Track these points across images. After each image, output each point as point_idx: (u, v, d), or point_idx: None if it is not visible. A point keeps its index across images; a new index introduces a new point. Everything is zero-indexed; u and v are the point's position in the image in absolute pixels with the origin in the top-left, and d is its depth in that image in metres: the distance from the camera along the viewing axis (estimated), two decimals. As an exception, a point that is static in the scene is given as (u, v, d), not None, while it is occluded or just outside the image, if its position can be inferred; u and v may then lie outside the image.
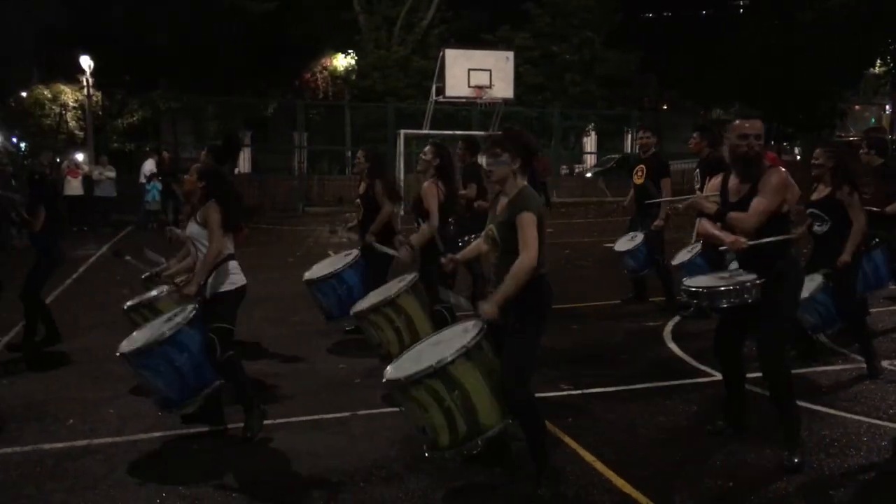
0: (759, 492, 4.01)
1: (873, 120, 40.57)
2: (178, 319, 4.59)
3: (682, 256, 7.66)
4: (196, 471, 4.33)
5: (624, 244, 8.37)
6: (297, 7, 27.02)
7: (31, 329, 6.81)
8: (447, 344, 3.81)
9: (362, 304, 5.46)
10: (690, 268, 7.17)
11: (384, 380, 3.81)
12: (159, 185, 17.77)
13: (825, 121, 30.31)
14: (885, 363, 6.01)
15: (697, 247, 7.46)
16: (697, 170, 7.58)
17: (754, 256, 4.22)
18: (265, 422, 4.86)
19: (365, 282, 6.47)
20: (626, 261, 8.33)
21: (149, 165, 18.21)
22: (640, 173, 8.18)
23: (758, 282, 4.16)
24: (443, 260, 4.44)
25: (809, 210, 5.77)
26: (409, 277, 5.38)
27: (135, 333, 4.86)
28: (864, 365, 5.87)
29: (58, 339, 6.90)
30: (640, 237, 8.17)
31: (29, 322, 6.80)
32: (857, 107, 41.49)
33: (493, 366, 3.77)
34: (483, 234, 4.20)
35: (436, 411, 3.64)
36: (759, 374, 4.35)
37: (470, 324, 3.95)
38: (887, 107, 39.54)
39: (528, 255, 3.74)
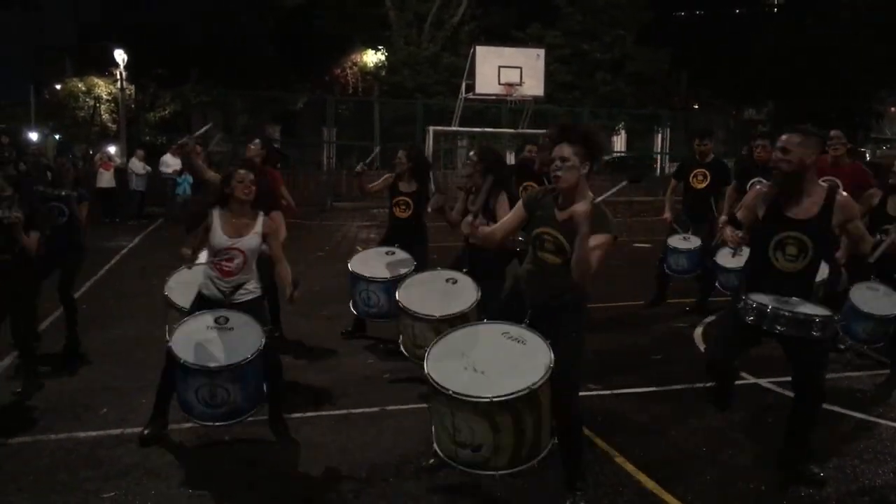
0: (789, 495, 3.96)
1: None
2: (258, 329, 4.40)
3: (732, 262, 7.40)
4: (226, 462, 4.37)
5: (680, 242, 8.03)
6: (327, 2, 27.12)
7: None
8: (507, 352, 3.54)
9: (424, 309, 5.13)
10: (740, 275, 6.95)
11: (449, 392, 3.31)
12: (190, 178, 17.91)
13: (860, 122, 29.84)
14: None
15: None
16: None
17: (801, 286, 3.94)
18: (294, 415, 4.90)
19: None
20: (677, 260, 8.03)
21: (168, 158, 18.38)
22: (701, 178, 8.01)
23: (833, 318, 3.81)
24: (463, 224, 3.96)
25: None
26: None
27: (179, 338, 4.35)
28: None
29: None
30: (695, 240, 7.90)
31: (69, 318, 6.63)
32: (892, 108, 40.76)
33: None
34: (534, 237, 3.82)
35: (509, 434, 3.30)
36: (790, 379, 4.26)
37: (514, 329, 3.67)
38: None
39: (590, 271, 3.53)
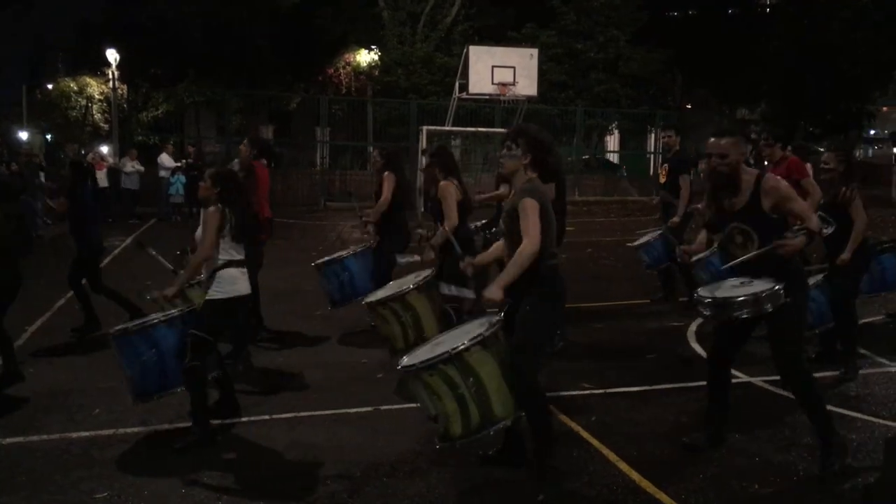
0: (783, 495, 3.97)
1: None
2: (159, 314, 4.82)
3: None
4: (220, 462, 4.36)
5: (640, 239, 8.43)
6: (321, 2, 27.09)
7: (90, 314, 7.23)
8: (465, 334, 3.82)
9: (374, 296, 5.50)
10: (706, 266, 7.10)
11: (399, 367, 3.82)
12: (183, 178, 17.89)
13: (853, 121, 29.96)
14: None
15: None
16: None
17: (761, 268, 4.09)
18: (290, 415, 4.89)
19: (370, 271, 6.76)
20: (640, 255, 8.38)
21: (164, 159, 18.34)
22: (664, 172, 8.32)
23: (778, 289, 3.99)
24: (462, 264, 4.43)
25: (819, 213, 5.68)
26: (425, 274, 5.38)
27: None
28: (891, 368, 5.82)
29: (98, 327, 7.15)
30: (657, 233, 8.20)
31: (85, 308, 7.24)
32: (884, 108, 40.95)
33: (508, 358, 3.78)
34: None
35: (449, 399, 3.63)
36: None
37: (487, 318, 3.95)
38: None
39: (530, 241, 3.79)
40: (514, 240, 3.90)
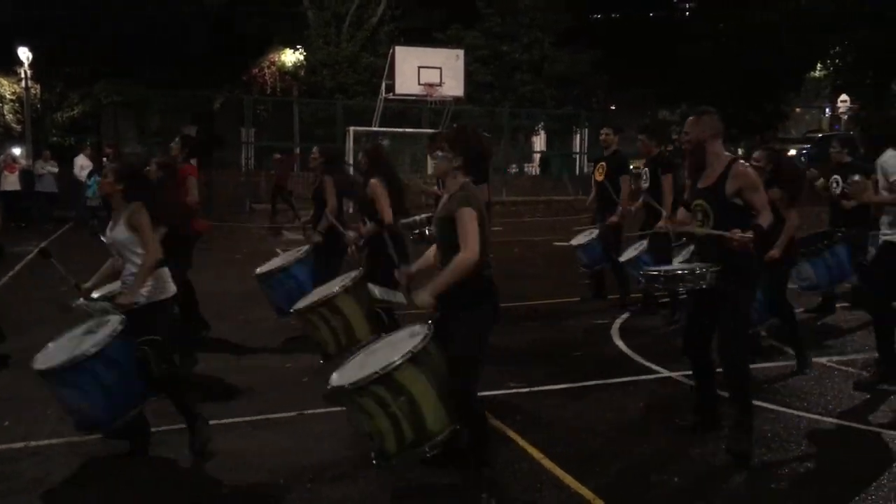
0: (704, 486, 4.08)
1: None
2: (106, 332, 4.17)
3: (629, 253, 7.79)
4: (136, 474, 4.23)
5: (579, 239, 8.46)
6: (245, 0, 26.62)
7: None
8: (394, 348, 3.75)
9: (301, 303, 5.39)
10: (637, 265, 7.28)
11: (329, 387, 3.75)
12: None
13: (769, 122, 31.04)
14: (824, 360, 6.19)
15: (643, 244, 7.58)
16: (646, 168, 7.69)
17: (713, 248, 4.31)
18: (210, 422, 4.76)
19: (315, 277, 6.47)
20: (579, 255, 8.48)
21: (81, 160, 17.74)
22: (601, 170, 8.25)
23: (713, 269, 4.21)
24: (398, 274, 4.39)
25: None
26: (352, 276, 5.30)
27: (50, 345, 4.35)
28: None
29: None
30: (595, 233, 8.28)
31: None
32: (797, 109, 42.61)
33: (440, 370, 3.73)
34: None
35: (381, 418, 3.59)
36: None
37: (417, 328, 3.91)
38: (827, 109, 40.69)
39: (469, 252, 3.72)
40: (449, 247, 3.84)
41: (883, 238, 5.45)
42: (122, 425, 4.24)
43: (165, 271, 4.60)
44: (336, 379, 3.76)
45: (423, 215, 6.33)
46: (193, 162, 7.01)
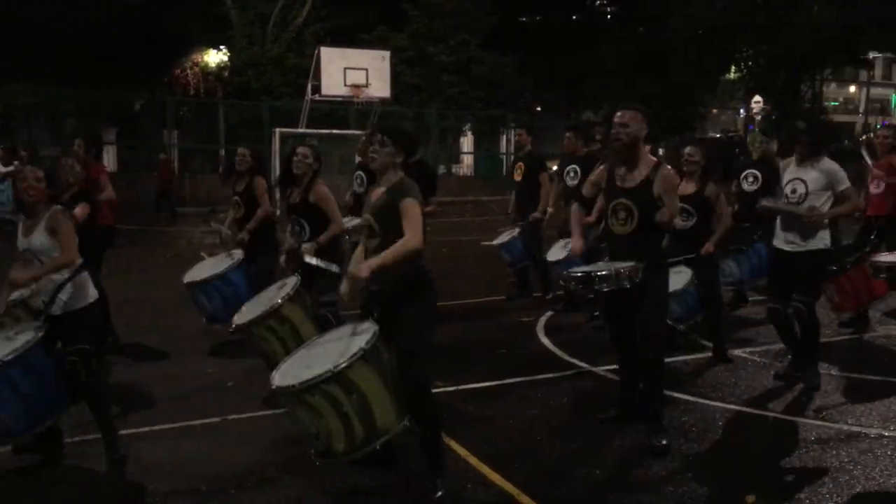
0: (626, 477, 4.18)
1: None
2: (26, 338, 4.01)
3: (556, 253, 7.83)
4: (56, 485, 4.09)
5: (501, 238, 8.58)
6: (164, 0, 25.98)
7: None
8: (339, 346, 3.69)
9: (243, 317, 5.09)
10: (568, 265, 7.36)
11: (274, 387, 3.64)
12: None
13: (687, 123, 31.94)
14: (738, 351, 6.40)
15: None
16: (574, 166, 7.73)
17: (633, 247, 4.43)
18: (128, 431, 4.64)
19: (250, 282, 6.34)
20: (501, 254, 8.57)
21: None
22: (518, 170, 8.38)
23: (636, 267, 4.31)
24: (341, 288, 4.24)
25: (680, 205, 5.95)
26: (291, 283, 5.11)
27: None
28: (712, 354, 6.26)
29: None
30: (516, 231, 8.39)
31: None
32: (714, 110, 44.02)
33: (388, 367, 3.71)
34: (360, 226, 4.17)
35: (332, 417, 3.52)
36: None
37: (360, 325, 3.85)
38: (741, 110, 42.11)
39: (415, 237, 3.71)
40: (389, 236, 3.79)
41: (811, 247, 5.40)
42: (35, 434, 4.11)
43: (86, 277, 4.43)
44: (279, 379, 3.65)
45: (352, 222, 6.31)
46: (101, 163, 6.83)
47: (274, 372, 3.80)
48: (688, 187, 5.95)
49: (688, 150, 6.05)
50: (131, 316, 7.75)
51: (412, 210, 3.76)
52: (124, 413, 5.08)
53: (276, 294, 5.11)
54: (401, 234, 3.73)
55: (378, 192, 3.98)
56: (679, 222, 5.67)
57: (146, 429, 4.82)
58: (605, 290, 4.33)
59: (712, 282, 6.14)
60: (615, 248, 4.57)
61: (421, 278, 3.89)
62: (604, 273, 4.35)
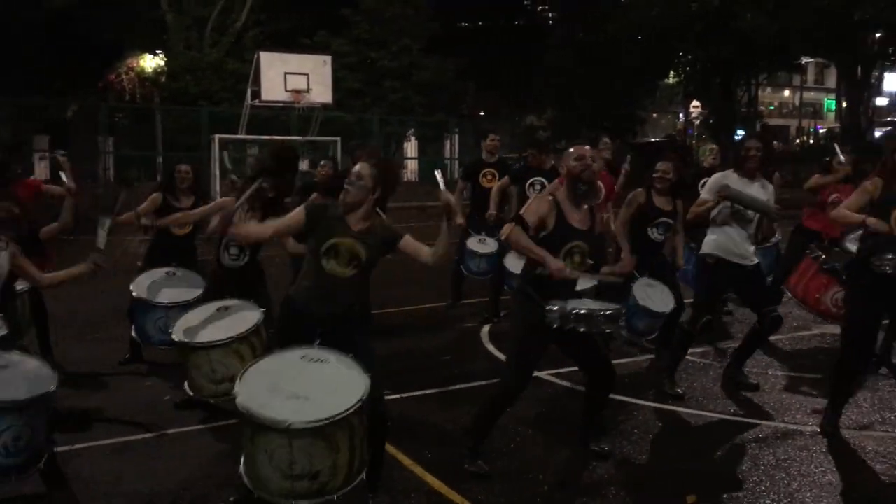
0: (571, 483, 4.20)
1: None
2: None
3: (513, 263, 7.56)
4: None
5: (477, 245, 7.98)
6: (97, 3, 25.33)
7: None
8: (322, 375, 3.47)
9: (200, 335, 4.63)
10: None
11: (288, 425, 3.14)
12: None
13: (627, 126, 32.46)
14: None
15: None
16: (540, 178, 7.48)
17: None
18: (61, 448, 4.47)
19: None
20: (478, 262, 8.02)
21: None
22: (489, 177, 8.03)
23: (618, 310, 4.15)
24: None
25: (662, 219, 5.89)
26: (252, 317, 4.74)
27: None
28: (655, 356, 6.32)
29: None
30: (492, 242, 7.81)
31: None
32: (654, 114, 44.88)
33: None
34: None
35: (346, 449, 3.28)
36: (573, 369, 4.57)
37: (321, 351, 3.61)
38: (680, 114, 43.04)
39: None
40: (370, 269, 3.86)
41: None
42: None
43: None
44: (286, 415, 3.19)
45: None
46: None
47: (248, 404, 3.27)
48: (665, 203, 5.91)
49: (660, 166, 5.90)
50: (70, 329, 7.52)
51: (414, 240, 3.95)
52: (63, 429, 4.89)
53: (233, 322, 4.73)
54: (372, 268, 3.85)
55: (359, 220, 3.75)
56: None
57: (81, 446, 4.65)
58: (583, 330, 3.98)
59: (676, 285, 6.18)
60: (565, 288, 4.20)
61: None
62: (583, 312, 3.97)
